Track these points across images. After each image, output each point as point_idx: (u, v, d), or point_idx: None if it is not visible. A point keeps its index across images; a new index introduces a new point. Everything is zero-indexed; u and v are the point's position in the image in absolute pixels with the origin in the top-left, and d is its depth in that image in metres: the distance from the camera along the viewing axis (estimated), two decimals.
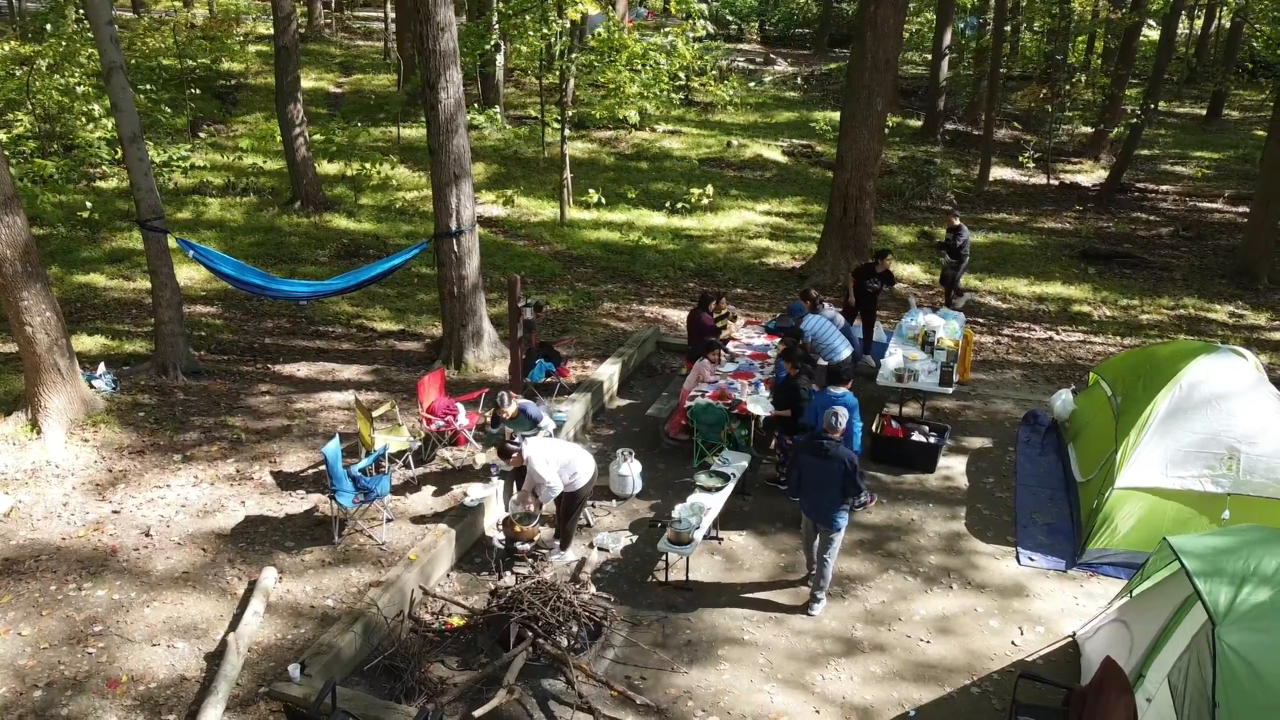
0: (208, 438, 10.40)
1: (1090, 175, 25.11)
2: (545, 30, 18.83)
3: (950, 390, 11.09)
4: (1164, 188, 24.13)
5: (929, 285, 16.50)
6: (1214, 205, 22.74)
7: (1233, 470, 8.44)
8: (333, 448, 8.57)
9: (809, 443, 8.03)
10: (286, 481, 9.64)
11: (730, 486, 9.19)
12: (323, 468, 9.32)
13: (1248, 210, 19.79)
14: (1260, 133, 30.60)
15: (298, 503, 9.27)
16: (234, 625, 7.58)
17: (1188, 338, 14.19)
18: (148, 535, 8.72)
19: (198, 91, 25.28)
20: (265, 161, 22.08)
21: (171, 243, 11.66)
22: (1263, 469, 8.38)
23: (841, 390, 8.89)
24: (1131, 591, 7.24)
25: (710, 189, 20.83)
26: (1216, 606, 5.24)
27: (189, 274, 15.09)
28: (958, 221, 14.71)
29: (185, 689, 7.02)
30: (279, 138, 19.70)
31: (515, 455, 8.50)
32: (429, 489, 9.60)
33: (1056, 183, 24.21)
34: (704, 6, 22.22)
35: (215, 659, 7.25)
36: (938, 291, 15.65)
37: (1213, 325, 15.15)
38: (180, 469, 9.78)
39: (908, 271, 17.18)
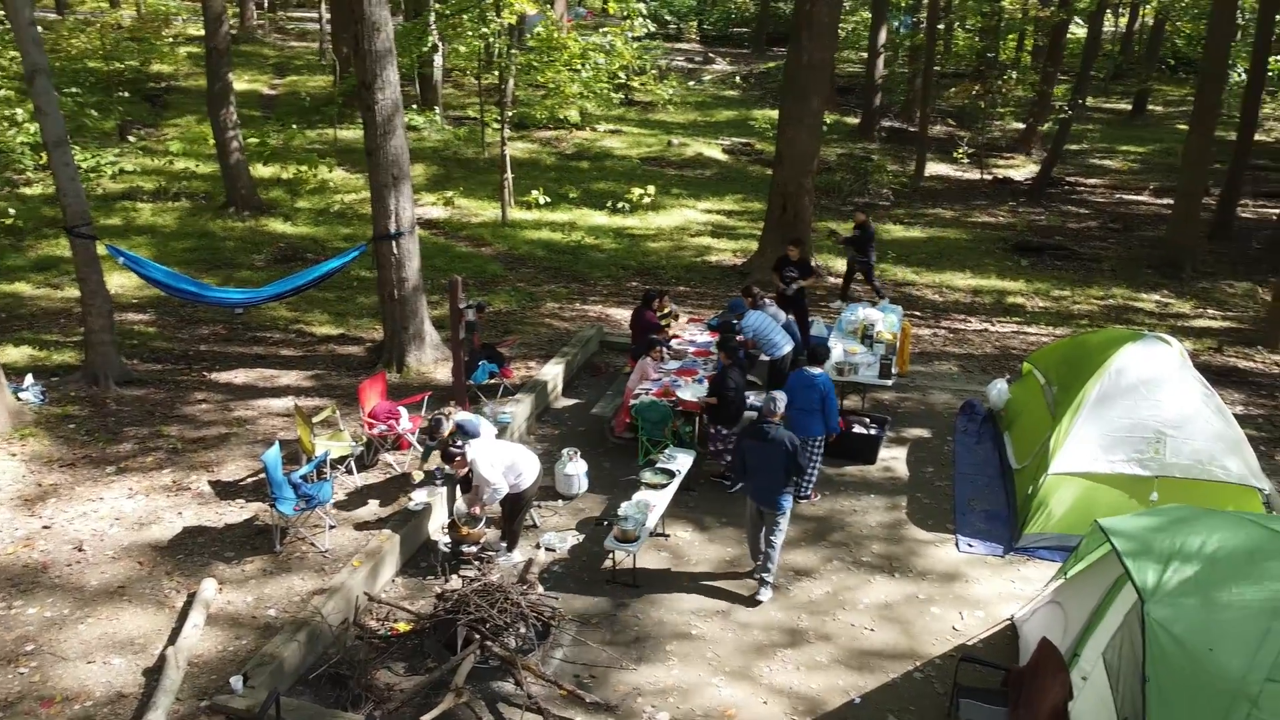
0: (142, 448, 10.17)
1: (1022, 170, 25.70)
2: (484, 30, 18.73)
3: (890, 383, 11.29)
4: (1092, 181, 24.79)
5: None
6: (1140, 198, 23.43)
7: (1160, 454, 8.71)
8: (272, 455, 8.43)
9: (752, 427, 8.24)
10: (225, 491, 9.46)
11: (675, 483, 9.23)
12: (263, 475, 9.17)
13: (1172, 202, 20.42)
14: (1182, 127, 31.55)
15: (237, 512, 9.11)
16: (173, 639, 7.41)
17: (1117, 326, 14.60)
18: (80, 550, 8.50)
19: (126, 94, 24.68)
20: (198, 165, 21.63)
21: (101, 249, 11.39)
22: (1188, 452, 8.66)
23: (818, 370, 9.26)
24: (1066, 574, 7.43)
25: (652, 188, 20.91)
26: (1145, 584, 5.41)
27: (120, 281, 14.73)
28: (864, 217, 14.70)
29: (123, 706, 6.86)
30: (212, 141, 19.32)
31: (459, 459, 8.46)
32: (372, 494, 9.49)
33: (990, 177, 24.74)
34: (643, 5, 22.26)
35: (154, 674, 7.09)
36: (866, 291, 15.66)
37: (1140, 314, 15.60)
38: (114, 481, 9.55)
39: (838, 265, 17.37)
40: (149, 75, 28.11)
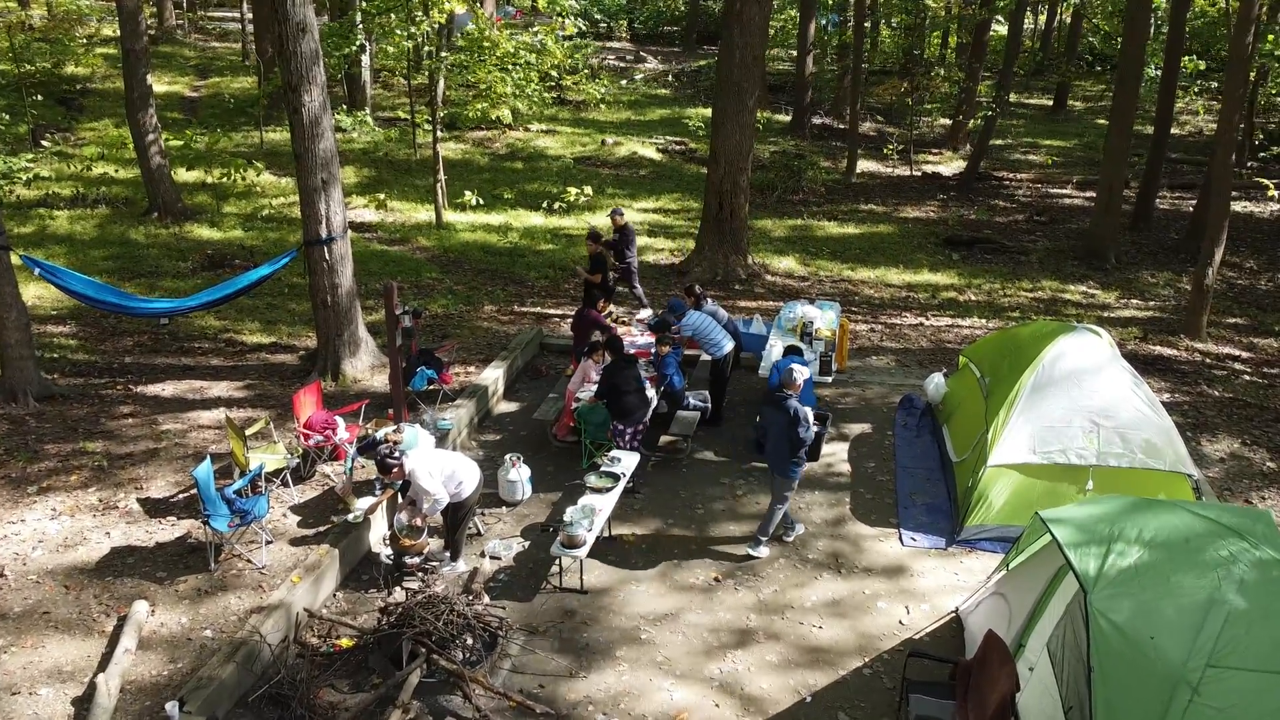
0: (65, 466, 9.77)
1: (950, 165, 26.17)
2: (412, 30, 18.43)
3: (830, 379, 11.37)
4: (1018, 175, 25.35)
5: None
6: (1064, 191, 24.02)
7: (1094, 443, 8.90)
8: (203, 470, 8.16)
9: (771, 396, 8.71)
10: (155, 508, 9.13)
11: (620, 486, 9.17)
12: (194, 491, 8.87)
13: (1094, 195, 20.97)
14: (1102, 122, 32.48)
15: (169, 530, 8.80)
16: (103, 665, 7.12)
17: (1047, 318, 14.92)
18: (1, 575, 8.12)
19: (39, 97, 23.74)
20: (117, 170, 20.95)
21: (15, 260, 10.92)
22: (1120, 441, 8.87)
23: (801, 360, 9.98)
24: (1008, 565, 7.55)
25: (588, 188, 20.81)
26: (1087, 575, 5.50)
27: (37, 292, 14.17)
28: (624, 220, 14.13)
29: None
30: (131, 145, 18.69)
31: (396, 469, 8.28)
32: (310, 507, 9.25)
33: (919, 173, 25.14)
34: (574, 4, 22.14)
35: (84, 703, 6.80)
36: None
37: (1068, 305, 15.98)
38: (35, 501, 9.15)
39: (783, 265, 17.53)
40: (62, 78, 27.10)
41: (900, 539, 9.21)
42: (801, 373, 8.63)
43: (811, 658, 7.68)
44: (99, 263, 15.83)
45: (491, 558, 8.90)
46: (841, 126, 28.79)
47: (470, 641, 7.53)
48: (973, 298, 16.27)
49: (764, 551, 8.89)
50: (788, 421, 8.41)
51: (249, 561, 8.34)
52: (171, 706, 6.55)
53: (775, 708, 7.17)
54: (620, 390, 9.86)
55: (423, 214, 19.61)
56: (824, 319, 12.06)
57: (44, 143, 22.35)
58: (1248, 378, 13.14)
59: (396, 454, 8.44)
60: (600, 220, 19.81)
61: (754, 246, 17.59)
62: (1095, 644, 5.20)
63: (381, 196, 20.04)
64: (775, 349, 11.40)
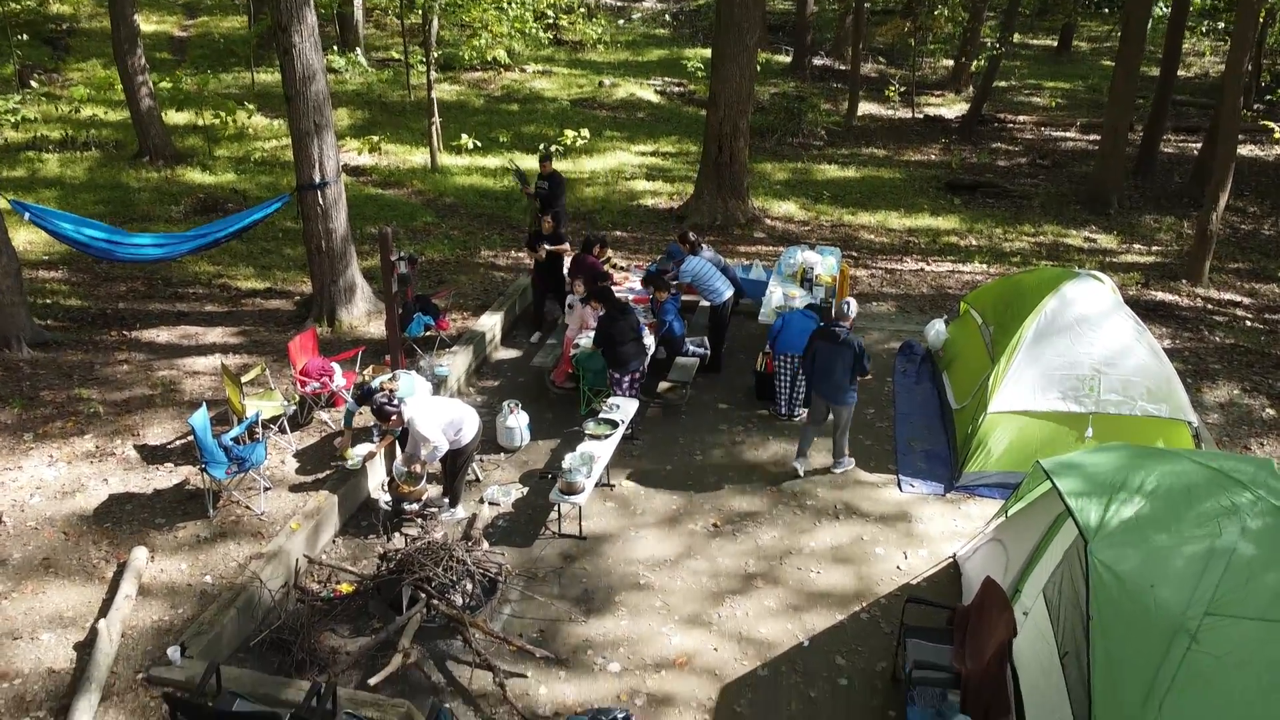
0: (61, 413, 9.71)
1: (952, 107, 25.80)
2: None
3: None
4: (1021, 118, 25.00)
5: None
6: (1067, 134, 23.72)
7: (1094, 391, 8.86)
8: (200, 418, 8.10)
9: (823, 330, 9.13)
10: (152, 455, 9.10)
11: (619, 433, 9.14)
12: (191, 439, 8.82)
13: (1098, 139, 20.70)
14: (1107, 63, 31.99)
15: (166, 477, 8.77)
16: (104, 611, 7.14)
17: (1049, 264, 14.80)
18: (0, 522, 8.12)
19: (24, 37, 23.29)
20: (106, 112, 20.62)
21: (4, 204, 10.74)
22: (1121, 388, 8.82)
23: (813, 313, 10.17)
24: (1007, 512, 7.56)
25: (585, 131, 20.50)
26: (1088, 525, 5.48)
27: (28, 237, 14.01)
28: (553, 167, 13.39)
29: (55, 682, 6.60)
30: (119, 86, 18.34)
31: (395, 417, 8.24)
32: (308, 454, 9.22)
33: (921, 116, 24.79)
34: None
35: (86, 648, 6.82)
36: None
37: (1070, 250, 15.84)
38: (32, 449, 9.11)
39: (783, 209, 17.35)
40: (48, 16, 26.57)
41: (899, 485, 9.21)
42: (854, 305, 9.30)
43: (810, 603, 7.71)
44: (90, 206, 15.62)
45: (490, 504, 8.90)
46: (843, 68, 28.34)
47: (470, 587, 7.55)
48: (974, 242, 16.13)
49: (849, 463, 9.43)
50: (853, 355, 8.91)
51: (247, 508, 8.33)
52: (173, 651, 6.58)
53: (773, 651, 7.22)
54: (615, 340, 9.78)
55: (418, 157, 19.34)
56: (824, 265, 11.94)
57: (31, 84, 21.95)
58: (1249, 324, 13.08)
59: (395, 401, 8.40)
60: (596, 164, 19.55)
61: (753, 191, 17.38)
62: (1095, 593, 5.19)
63: (375, 139, 19.75)
64: (775, 295, 11.30)
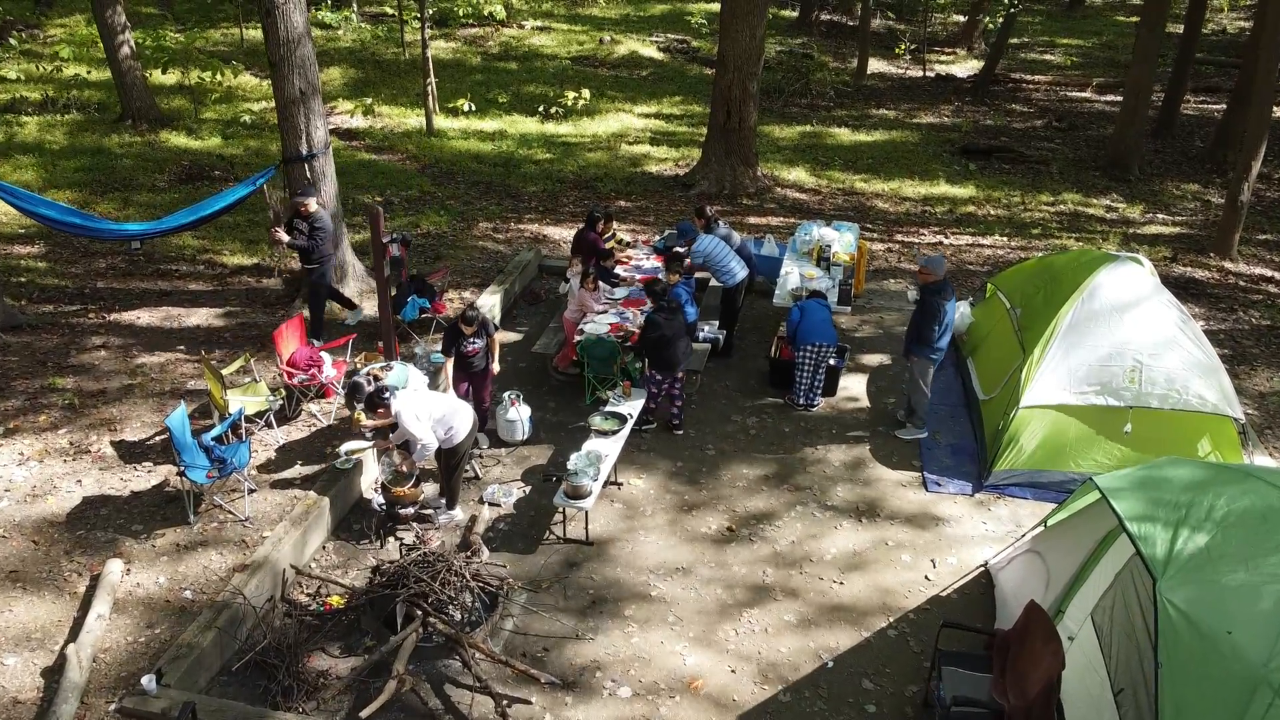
0: (33, 405, 9.15)
1: (963, 65, 24.92)
2: None
3: (849, 309, 10.69)
4: (1035, 77, 24.13)
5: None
6: (1083, 95, 22.88)
7: (1135, 383, 8.30)
8: (178, 418, 7.54)
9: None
10: (130, 452, 8.55)
11: (627, 428, 8.57)
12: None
13: (1116, 100, 19.90)
14: (1121, 19, 31.02)
15: (145, 477, 8.23)
16: (75, 632, 6.63)
17: (1079, 245, 14.12)
18: None
19: None
20: (89, 71, 19.77)
21: None
22: (1164, 381, 8.25)
23: (822, 299, 9.72)
24: (1046, 522, 7.04)
25: (586, 91, 19.71)
26: (1154, 557, 4.95)
27: (2, 210, 13.33)
28: (313, 205, 10.03)
29: (19, 713, 6.11)
30: (102, 44, 17.53)
31: (383, 409, 7.67)
32: (296, 450, 8.68)
33: (931, 75, 23.93)
34: None
35: (55, 674, 6.33)
36: None
37: (1093, 221, 15.18)
38: (1, 445, 8.56)
39: (793, 176, 16.65)
40: None
41: (924, 484, 8.68)
42: (939, 264, 9.02)
43: (832, 617, 7.22)
44: (69, 174, 14.95)
45: (490, 505, 8.38)
46: (851, 23, 27.39)
47: (469, 601, 7.05)
48: (992, 212, 15.46)
49: (913, 432, 9.30)
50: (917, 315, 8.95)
51: (231, 513, 7.80)
52: (148, 680, 6.08)
53: (795, 674, 6.73)
54: (660, 344, 8.91)
55: (413, 120, 18.57)
56: (842, 242, 11.29)
57: (11, 40, 21.07)
58: None
59: (386, 394, 7.82)
60: (598, 126, 18.78)
61: (762, 156, 16.66)
62: (1164, 637, 4.68)
63: (369, 101, 18.95)
64: (791, 276, 10.69)
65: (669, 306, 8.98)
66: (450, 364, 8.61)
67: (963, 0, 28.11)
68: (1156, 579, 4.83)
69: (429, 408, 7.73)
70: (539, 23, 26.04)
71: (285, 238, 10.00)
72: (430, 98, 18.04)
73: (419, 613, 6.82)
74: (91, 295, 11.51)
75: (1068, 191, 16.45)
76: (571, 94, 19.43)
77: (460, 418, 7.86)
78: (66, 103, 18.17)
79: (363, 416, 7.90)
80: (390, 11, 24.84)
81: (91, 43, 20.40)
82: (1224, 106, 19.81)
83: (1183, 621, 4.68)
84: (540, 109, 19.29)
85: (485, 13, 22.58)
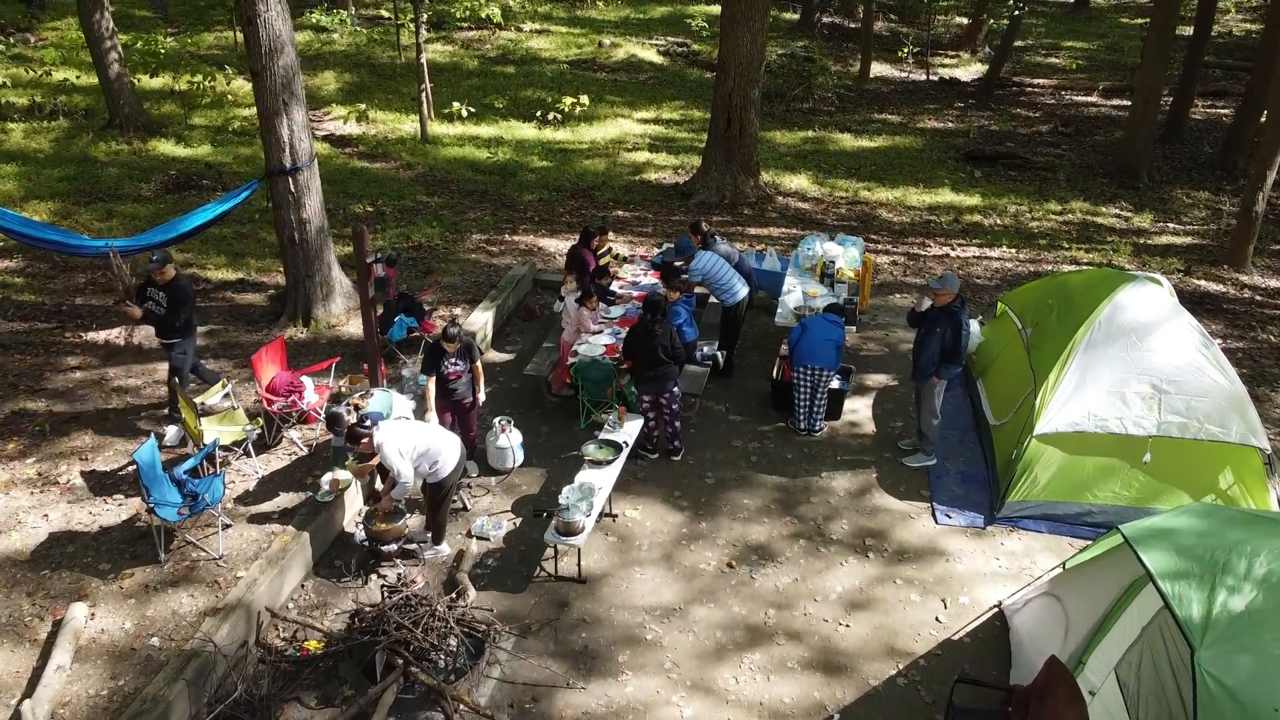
0: (2, 431, 8.76)
1: (967, 69, 24.55)
2: None
3: (854, 328, 10.29)
4: (1040, 81, 23.74)
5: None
6: (1089, 99, 22.49)
7: (1155, 410, 7.89)
8: (147, 452, 7.15)
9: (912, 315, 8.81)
10: (101, 484, 8.16)
11: (622, 457, 8.18)
12: None
13: (1122, 104, 19.49)
14: (1126, 20, 30.61)
15: (115, 510, 7.84)
16: (33, 684, 6.25)
17: (1089, 256, 13.71)
18: None
19: None
20: (79, 76, 19.37)
21: None
22: (1185, 409, 7.84)
23: (835, 316, 9.29)
24: (1065, 565, 6.64)
25: (584, 96, 19.32)
26: (1191, 622, 4.56)
27: None
28: (172, 273, 8.73)
29: None
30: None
31: (365, 440, 7.26)
32: (275, 481, 8.29)
33: (935, 78, 23.54)
34: None
35: None
36: None
37: (1102, 230, 14.78)
38: None
39: (795, 184, 16.25)
40: None
41: (934, 515, 8.29)
42: (952, 282, 8.48)
43: (838, 663, 6.82)
44: (52, 184, 14.55)
45: (479, 538, 7.98)
46: (853, 26, 27.01)
47: (454, 645, 6.67)
48: (999, 221, 15.06)
49: (920, 460, 8.93)
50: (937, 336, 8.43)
51: (204, 551, 7.41)
52: None
53: None
54: (638, 352, 8.60)
55: (407, 125, 18.18)
56: (846, 257, 10.87)
57: None
58: None
59: (368, 423, 7.42)
60: (596, 132, 18.38)
61: (763, 162, 16.26)
62: (1204, 712, 4.29)
63: (363, 107, 18.55)
64: (794, 294, 10.28)
65: (660, 319, 8.61)
66: (432, 385, 8.20)
67: (966, 2, 27.70)
68: (1195, 648, 4.44)
69: (413, 440, 7.33)
70: (537, 25, 25.65)
71: (138, 312, 8.62)
72: (425, 103, 17.65)
73: (400, 661, 6.44)
74: (69, 312, 11.13)
75: (1075, 199, 16.06)
76: (569, 99, 19.05)
77: (447, 450, 7.46)
78: (54, 108, 17.79)
79: (353, 463, 7.57)
80: (386, 14, 24.45)
81: (81, 46, 20.01)
82: (1232, 111, 19.43)
83: (1224, 696, 4.29)
84: (538, 114, 18.90)
85: (482, 15, 22.18)
